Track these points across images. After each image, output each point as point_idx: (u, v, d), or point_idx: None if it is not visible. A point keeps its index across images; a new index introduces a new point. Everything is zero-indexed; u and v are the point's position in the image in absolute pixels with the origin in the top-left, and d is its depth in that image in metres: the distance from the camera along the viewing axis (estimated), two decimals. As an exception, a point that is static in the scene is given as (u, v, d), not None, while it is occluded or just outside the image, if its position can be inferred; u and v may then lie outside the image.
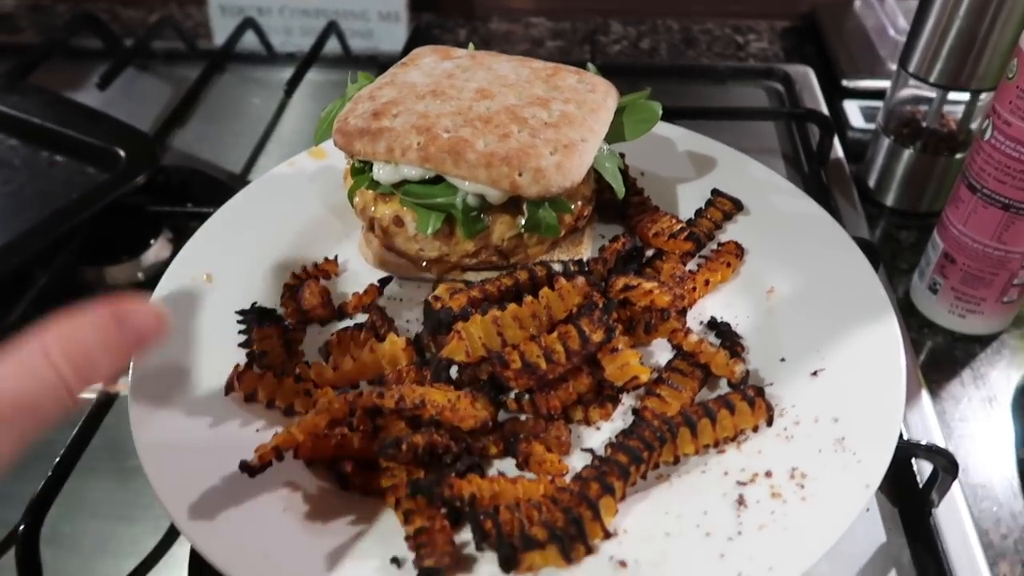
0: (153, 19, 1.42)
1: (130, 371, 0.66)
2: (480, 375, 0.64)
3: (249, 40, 1.31)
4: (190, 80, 1.21)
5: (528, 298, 0.64)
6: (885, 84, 1.15)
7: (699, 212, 0.81)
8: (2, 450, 0.40)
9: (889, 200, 1.05)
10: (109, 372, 0.44)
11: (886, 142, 1.03)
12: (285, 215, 0.82)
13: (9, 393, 0.40)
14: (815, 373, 0.65)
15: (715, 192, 0.82)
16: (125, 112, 1.05)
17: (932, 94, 0.98)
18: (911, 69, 0.95)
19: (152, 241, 0.92)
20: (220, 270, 0.75)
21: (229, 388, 0.64)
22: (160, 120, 1.14)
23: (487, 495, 0.56)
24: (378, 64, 1.28)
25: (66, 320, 0.44)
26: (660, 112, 0.77)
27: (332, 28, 1.28)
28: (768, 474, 0.58)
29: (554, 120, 0.70)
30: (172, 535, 0.68)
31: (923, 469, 0.71)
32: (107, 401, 0.74)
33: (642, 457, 0.56)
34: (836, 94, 1.21)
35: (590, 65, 0.81)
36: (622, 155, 0.82)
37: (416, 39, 1.31)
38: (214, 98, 1.25)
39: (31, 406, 0.41)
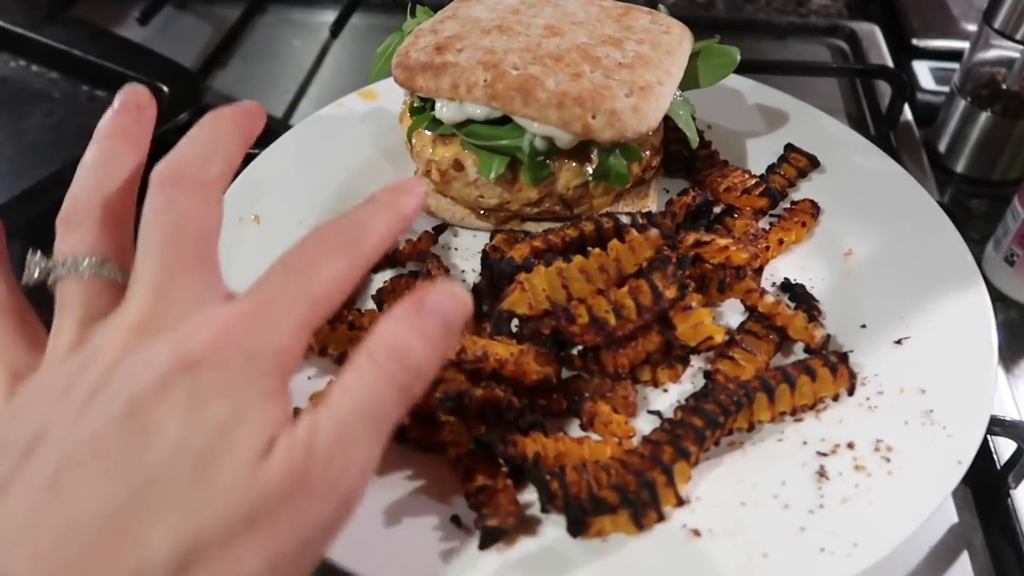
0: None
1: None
2: (543, 329, 0.60)
3: (290, -20, 1.26)
4: (230, 20, 1.17)
5: (596, 250, 0.60)
6: (959, 44, 1.08)
7: (771, 168, 0.76)
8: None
9: (960, 166, 1.00)
10: None
11: (962, 104, 0.97)
12: (335, 157, 0.78)
13: None
14: (899, 341, 0.61)
15: (789, 147, 0.77)
16: (165, 50, 1.01)
17: (1017, 54, 0.92)
18: (996, 25, 0.89)
19: (194, 182, 0.89)
20: (269, 212, 0.72)
21: (280, 333, 0.62)
22: (200, 60, 1.11)
23: (552, 454, 0.53)
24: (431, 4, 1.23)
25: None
26: (738, 57, 0.72)
27: (378, -31, 1.23)
28: (851, 445, 0.55)
29: (628, 61, 0.66)
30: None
31: (1000, 449, 0.67)
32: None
33: (718, 421, 0.53)
34: (904, 54, 1.14)
35: (661, 6, 0.76)
36: (690, 105, 0.78)
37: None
38: (255, 39, 1.21)
39: None
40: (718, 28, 1.22)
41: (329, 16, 1.14)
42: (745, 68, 1.01)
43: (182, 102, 0.87)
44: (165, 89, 0.88)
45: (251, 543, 0.32)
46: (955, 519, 0.65)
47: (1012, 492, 0.64)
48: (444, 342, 0.37)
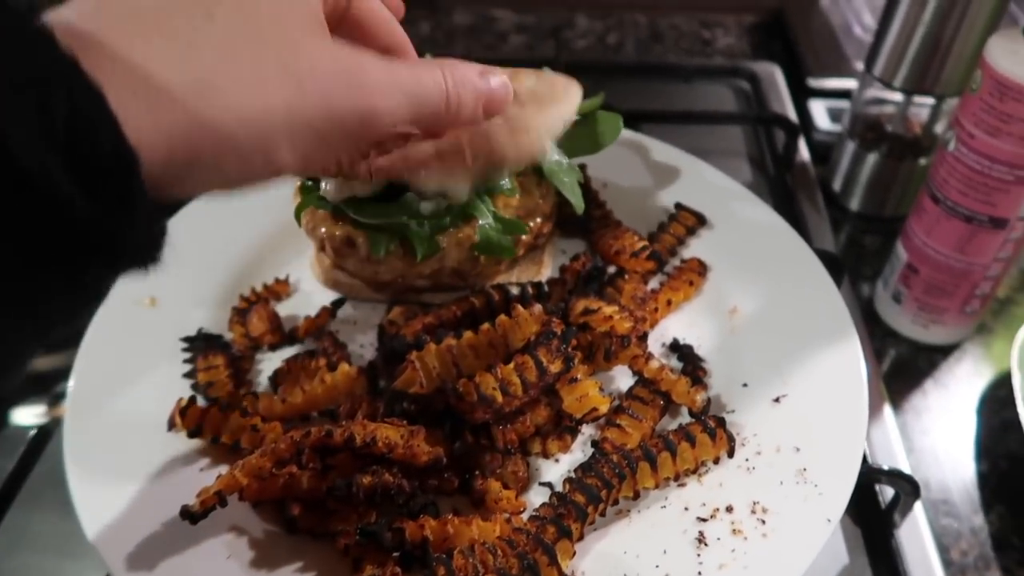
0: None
1: (67, 408, 0.63)
2: (435, 406, 0.62)
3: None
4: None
5: (485, 326, 0.62)
6: (850, 83, 1.13)
7: (662, 226, 0.79)
8: None
9: (854, 204, 1.04)
10: None
11: (851, 146, 1.02)
12: (232, 233, 0.78)
13: None
14: (777, 399, 0.64)
15: (678, 206, 0.80)
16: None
17: (897, 98, 0.97)
18: (876, 73, 0.94)
19: (96, 255, 0.88)
20: (164, 292, 0.72)
21: (172, 424, 0.62)
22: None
23: (440, 538, 0.54)
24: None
25: None
26: (622, 124, 0.75)
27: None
28: (729, 509, 0.57)
29: (509, 119, 0.67)
30: (117, 572, 0.65)
31: (885, 490, 0.70)
32: (47, 430, 0.71)
33: (600, 496, 0.55)
34: (803, 93, 1.19)
35: (546, 69, 0.78)
36: (583, 166, 0.80)
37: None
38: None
39: None
40: (628, 72, 1.27)
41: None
42: (651, 117, 1.05)
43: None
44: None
45: None
46: (847, 560, 0.68)
47: (897, 532, 0.68)
48: None
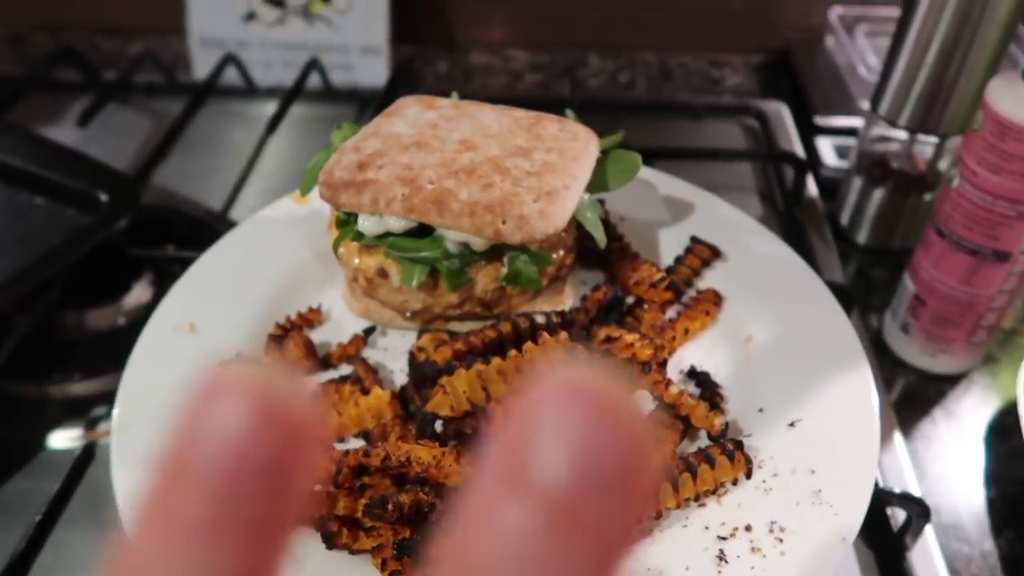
0: (132, 49, 1.42)
1: (113, 428, 0.66)
2: (465, 429, 0.65)
3: (229, 74, 1.31)
4: (171, 114, 1.21)
5: (512, 352, 0.65)
6: (856, 121, 1.17)
7: (678, 259, 0.82)
8: None
9: (862, 238, 1.08)
10: None
11: (858, 182, 1.06)
12: (268, 261, 0.82)
13: None
14: (792, 424, 0.67)
15: (693, 239, 0.84)
16: (106, 146, 1.05)
17: (902, 136, 1.01)
18: (881, 112, 0.98)
19: (132, 284, 0.92)
20: (204, 319, 0.76)
21: (214, 445, 0.64)
22: (141, 155, 1.14)
23: (473, 554, 0.56)
24: (359, 98, 1.29)
25: None
26: (640, 162, 0.79)
27: (313, 65, 1.28)
28: (748, 528, 0.59)
29: (536, 169, 0.71)
30: (156, 590, 0.68)
31: (897, 514, 0.72)
32: (89, 452, 0.73)
33: (625, 514, 0.57)
34: (809, 131, 1.23)
35: (569, 112, 0.83)
36: (602, 201, 0.84)
37: (398, 73, 1.32)
38: (195, 133, 1.25)
39: None
40: (639, 110, 1.32)
41: (270, 108, 1.19)
42: (663, 155, 1.09)
43: (120, 208, 0.90)
44: (103, 196, 0.91)
45: None
46: (860, 583, 0.70)
47: (909, 555, 0.70)
48: None
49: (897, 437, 0.81)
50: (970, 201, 0.77)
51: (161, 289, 0.77)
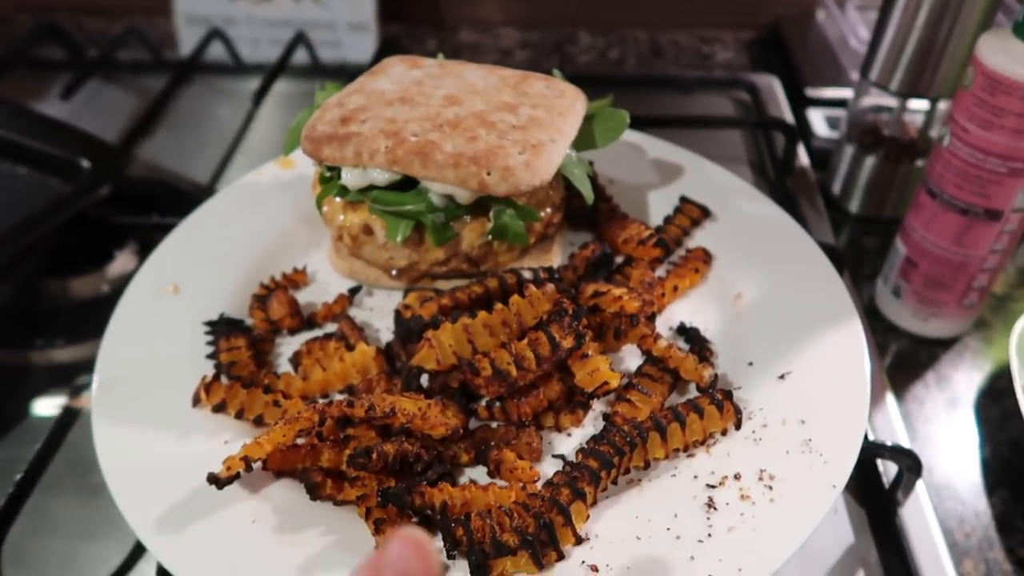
0: (117, 29, 1.41)
1: (94, 386, 0.65)
2: (451, 383, 0.64)
3: (216, 50, 1.30)
4: (156, 91, 1.20)
5: (499, 305, 0.64)
6: (848, 93, 1.17)
7: (667, 219, 0.82)
8: None
9: (853, 207, 1.07)
10: None
11: (849, 150, 1.05)
12: (253, 225, 0.81)
13: None
14: (782, 376, 0.66)
15: (683, 199, 0.83)
16: (90, 123, 1.03)
17: (893, 102, 1.00)
18: (872, 78, 0.98)
19: (116, 252, 0.91)
20: (187, 281, 0.75)
21: (197, 400, 0.64)
22: (126, 131, 1.13)
23: (458, 503, 0.56)
24: (347, 74, 1.26)
25: None
26: (628, 120, 0.78)
27: (300, 39, 1.27)
28: (737, 476, 0.58)
29: (522, 123, 0.70)
30: (138, 552, 0.67)
31: (889, 470, 0.72)
32: (70, 417, 0.72)
33: (613, 462, 0.57)
34: (801, 103, 1.23)
35: (556, 72, 0.82)
36: (591, 163, 0.83)
37: (385, 50, 1.31)
38: (181, 109, 1.24)
39: None
40: (629, 84, 1.31)
41: (254, 84, 1.18)
42: (653, 123, 1.08)
43: (103, 177, 0.89)
44: (86, 164, 0.89)
45: None
46: (852, 540, 0.69)
47: (900, 511, 0.69)
48: None
49: (890, 399, 0.80)
50: (961, 159, 0.77)
51: (145, 258, 0.76)
